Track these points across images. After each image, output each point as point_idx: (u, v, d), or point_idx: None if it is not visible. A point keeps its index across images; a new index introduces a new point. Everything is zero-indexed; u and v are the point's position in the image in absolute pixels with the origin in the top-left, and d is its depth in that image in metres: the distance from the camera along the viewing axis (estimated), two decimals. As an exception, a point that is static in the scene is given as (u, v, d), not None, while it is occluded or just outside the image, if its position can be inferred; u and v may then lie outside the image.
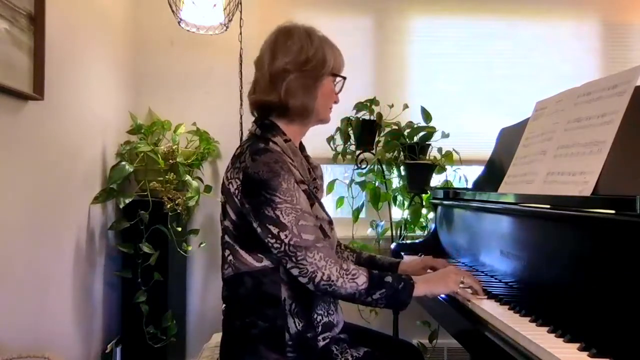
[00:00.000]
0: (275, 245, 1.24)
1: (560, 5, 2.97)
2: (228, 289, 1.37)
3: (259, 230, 1.26)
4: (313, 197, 1.37)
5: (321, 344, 1.33)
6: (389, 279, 1.27)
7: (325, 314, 1.35)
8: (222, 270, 1.37)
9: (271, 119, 1.39)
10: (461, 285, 1.34)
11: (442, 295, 1.48)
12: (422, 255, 2.01)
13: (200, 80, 2.79)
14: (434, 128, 2.56)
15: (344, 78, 1.44)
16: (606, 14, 2.98)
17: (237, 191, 1.29)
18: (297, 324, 1.30)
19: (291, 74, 1.33)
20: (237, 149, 1.37)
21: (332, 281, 1.22)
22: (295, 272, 1.24)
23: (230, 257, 1.33)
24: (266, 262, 1.30)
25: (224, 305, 1.41)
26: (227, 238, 1.35)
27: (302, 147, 1.48)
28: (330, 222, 1.42)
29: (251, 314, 1.31)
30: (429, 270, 1.57)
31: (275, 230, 1.23)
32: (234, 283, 1.34)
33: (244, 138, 1.36)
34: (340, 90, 1.45)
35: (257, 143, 1.32)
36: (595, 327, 1.02)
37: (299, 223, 1.24)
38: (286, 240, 1.22)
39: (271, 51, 1.36)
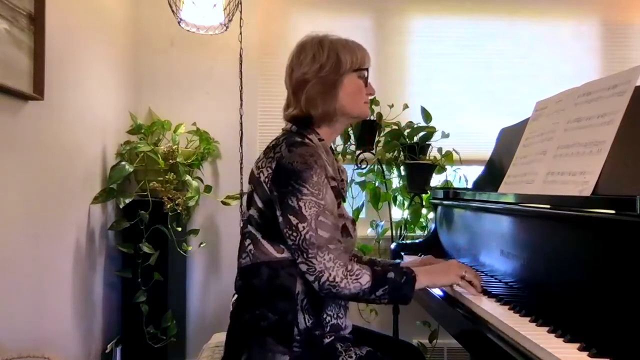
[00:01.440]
0: (292, 237, 1.26)
1: (560, 5, 2.97)
2: (242, 279, 1.38)
3: (280, 219, 1.28)
4: (340, 196, 1.40)
5: (327, 341, 1.34)
6: (391, 274, 1.29)
7: (335, 316, 1.37)
8: (238, 259, 1.39)
9: None
10: (461, 283, 1.36)
11: (442, 294, 1.48)
12: (422, 256, 2.01)
13: (200, 80, 2.79)
14: (434, 128, 2.57)
15: (366, 70, 1.44)
16: (606, 14, 2.99)
17: (267, 179, 1.31)
18: (306, 321, 1.32)
19: (309, 82, 1.38)
20: (272, 141, 1.39)
21: (337, 282, 1.24)
22: (303, 267, 1.27)
23: (251, 247, 1.35)
24: (286, 254, 1.31)
25: (234, 295, 1.43)
26: (249, 227, 1.37)
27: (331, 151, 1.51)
28: (353, 222, 1.46)
29: (262, 305, 1.32)
30: None
31: (294, 221, 1.25)
32: (249, 272, 1.35)
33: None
34: (366, 81, 1.44)
35: (294, 137, 1.35)
36: (595, 327, 1.02)
37: (318, 218, 1.26)
38: (303, 233, 1.25)
39: (289, 68, 1.42)
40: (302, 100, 1.38)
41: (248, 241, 1.36)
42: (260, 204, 1.33)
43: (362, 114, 1.46)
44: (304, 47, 1.41)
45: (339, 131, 1.49)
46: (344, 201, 1.45)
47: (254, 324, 1.32)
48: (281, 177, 1.29)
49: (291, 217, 1.26)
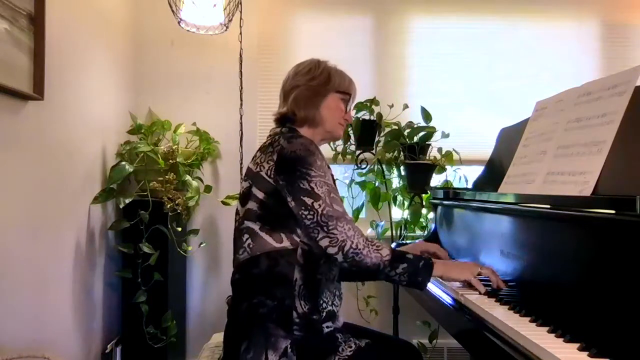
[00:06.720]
0: (309, 216, 1.33)
1: (560, 5, 2.97)
2: (240, 272, 1.43)
3: (292, 204, 1.35)
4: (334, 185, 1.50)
5: (325, 331, 1.40)
6: (410, 255, 1.37)
7: (330, 303, 1.43)
8: (235, 255, 1.44)
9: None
10: (473, 280, 1.40)
11: (448, 301, 1.48)
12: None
13: (200, 80, 2.79)
14: (434, 128, 2.57)
15: (348, 95, 1.58)
16: (606, 14, 2.99)
17: (269, 171, 1.39)
18: (303, 306, 1.37)
19: (299, 87, 1.53)
20: (267, 139, 1.50)
21: (360, 249, 1.32)
22: (325, 242, 1.33)
23: (249, 241, 1.40)
24: (286, 243, 1.38)
25: (228, 297, 1.47)
26: (246, 223, 1.42)
27: None
28: None
29: (260, 294, 1.37)
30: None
31: (309, 201, 1.34)
32: (248, 265, 1.40)
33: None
34: (346, 108, 1.59)
35: (289, 133, 1.46)
36: (595, 327, 1.02)
37: (330, 195, 1.36)
38: (319, 210, 1.33)
39: (287, 76, 1.60)
40: (289, 101, 1.52)
41: (246, 236, 1.41)
42: (261, 196, 1.40)
43: (334, 131, 1.58)
44: (304, 62, 1.60)
45: (318, 143, 1.57)
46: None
47: (253, 312, 1.36)
48: (286, 165, 1.37)
49: (305, 199, 1.33)
